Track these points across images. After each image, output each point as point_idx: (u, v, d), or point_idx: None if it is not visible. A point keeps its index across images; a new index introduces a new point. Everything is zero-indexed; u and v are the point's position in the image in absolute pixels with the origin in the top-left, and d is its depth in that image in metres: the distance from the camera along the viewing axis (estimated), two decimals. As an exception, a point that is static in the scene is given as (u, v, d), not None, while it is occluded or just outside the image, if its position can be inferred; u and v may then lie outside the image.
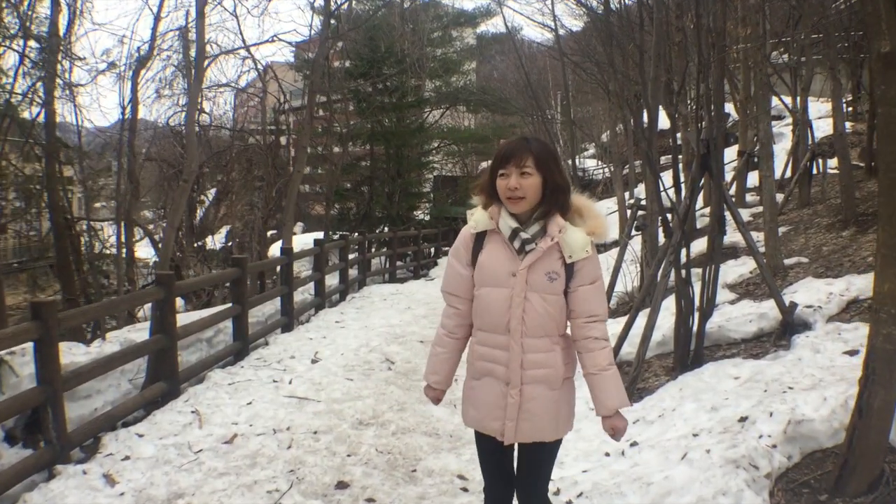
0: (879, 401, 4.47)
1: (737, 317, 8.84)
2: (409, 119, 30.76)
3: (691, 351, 7.96)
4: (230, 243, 31.06)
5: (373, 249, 24.77)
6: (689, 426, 5.99)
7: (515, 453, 3.81)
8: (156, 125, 25.83)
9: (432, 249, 28.63)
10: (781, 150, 22.75)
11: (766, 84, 11.63)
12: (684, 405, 6.48)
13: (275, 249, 22.73)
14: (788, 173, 18.51)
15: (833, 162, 18.13)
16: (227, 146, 26.40)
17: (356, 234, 22.73)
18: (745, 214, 15.31)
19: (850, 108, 28.53)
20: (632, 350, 8.95)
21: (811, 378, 6.33)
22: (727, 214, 8.02)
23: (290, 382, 8.47)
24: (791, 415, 5.51)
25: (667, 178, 24.88)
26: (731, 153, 20.05)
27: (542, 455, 3.73)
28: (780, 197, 15.16)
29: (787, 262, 11.07)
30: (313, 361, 9.55)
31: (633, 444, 6.09)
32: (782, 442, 5.32)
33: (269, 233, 25.37)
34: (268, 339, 11.22)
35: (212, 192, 30.35)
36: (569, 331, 3.66)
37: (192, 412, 7.38)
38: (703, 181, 8.00)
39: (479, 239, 3.63)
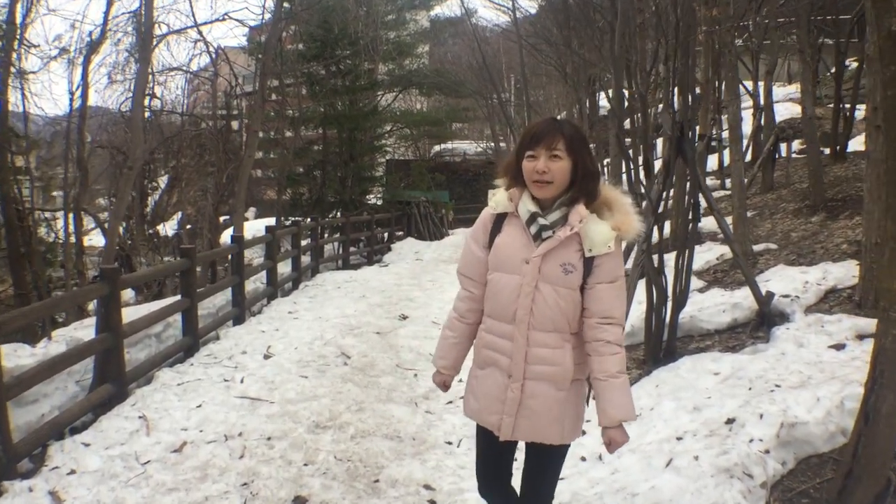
0: (888, 406, 4.10)
1: (709, 306, 8.49)
2: (362, 102, 30.10)
3: (663, 343, 7.59)
4: (182, 230, 30.36)
5: (325, 235, 24.19)
6: (670, 428, 5.59)
7: (521, 461, 3.62)
8: (106, 111, 25.09)
9: (386, 234, 28.13)
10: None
11: (734, 66, 11.28)
12: (663, 404, 6.09)
13: (228, 236, 22.11)
14: (749, 157, 18.28)
15: (795, 146, 17.97)
16: (178, 131, 25.64)
17: (308, 219, 22.16)
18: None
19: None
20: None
21: (799, 375, 5.98)
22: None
23: (242, 381, 7.94)
24: (783, 416, 5.15)
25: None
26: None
27: (545, 460, 3.52)
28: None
29: (756, 248, 10.79)
30: (266, 357, 9.03)
31: (612, 448, 5.70)
32: (776, 447, 4.96)
33: (222, 219, 24.71)
34: (219, 332, 10.66)
35: (165, 179, 29.69)
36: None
37: (140, 417, 6.85)
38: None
39: (499, 221, 3.46)
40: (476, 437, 3.65)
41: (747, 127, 19.21)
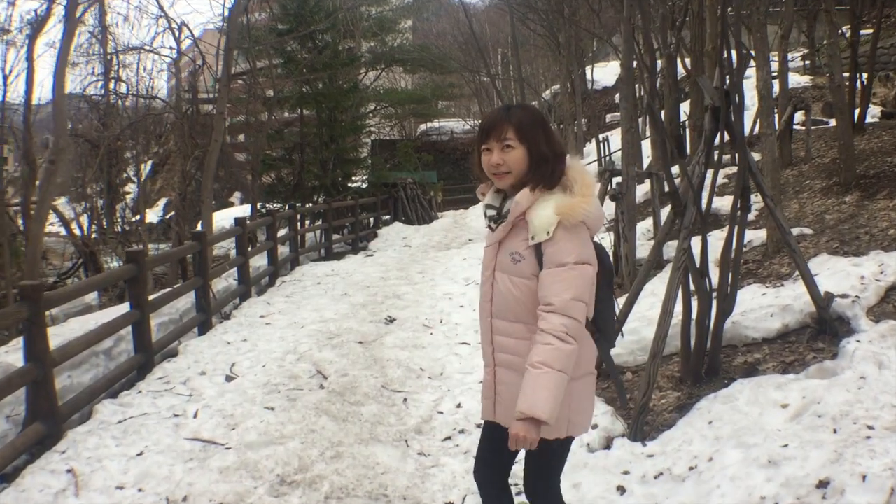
0: None
1: (753, 309, 7.15)
2: (342, 79, 28.55)
3: (705, 358, 6.28)
4: (168, 216, 29.29)
5: (307, 223, 22.79)
6: (742, 491, 4.24)
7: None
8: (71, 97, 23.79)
9: (371, 219, 26.77)
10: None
11: (763, 26, 9.92)
12: (725, 453, 4.71)
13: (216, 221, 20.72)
14: (757, 129, 16.99)
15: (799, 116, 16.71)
16: (141, 116, 24.22)
17: (287, 207, 20.80)
18: (720, 176, 13.71)
19: (808, 62, 27.34)
20: (622, 351, 7.28)
21: (892, 411, 4.64)
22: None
23: (196, 416, 6.55)
24: (892, 477, 3.83)
25: (614, 138, 22.75)
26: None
27: (538, 452, 3.17)
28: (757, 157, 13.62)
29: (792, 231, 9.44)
30: (228, 379, 7.66)
31: (662, 517, 4.35)
32: (887, 521, 3.65)
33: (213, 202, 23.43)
34: (180, 342, 9.29)
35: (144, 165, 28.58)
36: None
37: (68, 471, 5.49)
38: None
39: None
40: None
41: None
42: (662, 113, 14.46)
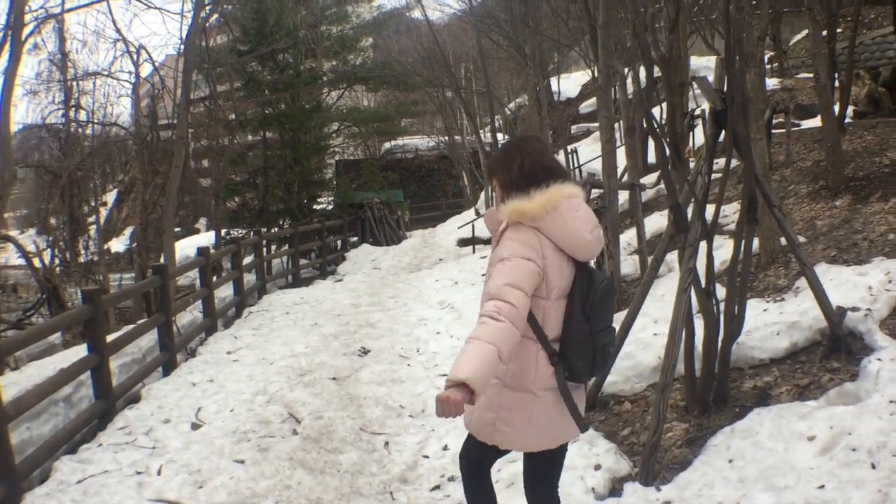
0: None
1: (758, 327, 6.62)
2: (304, 99, 27.92)
3: (713, 384, 5.75)
4: (134, 245, 28.76)
5: (273, 248, 22.15)
6: (781, 546, 3.72)
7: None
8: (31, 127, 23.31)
9: (339, 242, 26.16)
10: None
11: (748, 24, 9.48)
12: (753, 497, 4.19)
13: (179, 251, 20.05)
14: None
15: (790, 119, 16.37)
16: (101, 143, 23.56)
17: (251, 232, 20.19)
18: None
19: (776, 64, 27.10)
20: (616, 378, 6.77)
21: (936, 442, 4.14)
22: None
23: (160, 472, 5.93)
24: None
25: (582, 149, 22.28)
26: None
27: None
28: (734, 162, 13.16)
29: (782, 241, 8.95)
30: (194, 427, 7.04)
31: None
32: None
33: (177, 229, 22.80)
34: (143, 385, 8.67)
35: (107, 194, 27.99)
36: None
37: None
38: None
39: None
40: None
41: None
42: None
